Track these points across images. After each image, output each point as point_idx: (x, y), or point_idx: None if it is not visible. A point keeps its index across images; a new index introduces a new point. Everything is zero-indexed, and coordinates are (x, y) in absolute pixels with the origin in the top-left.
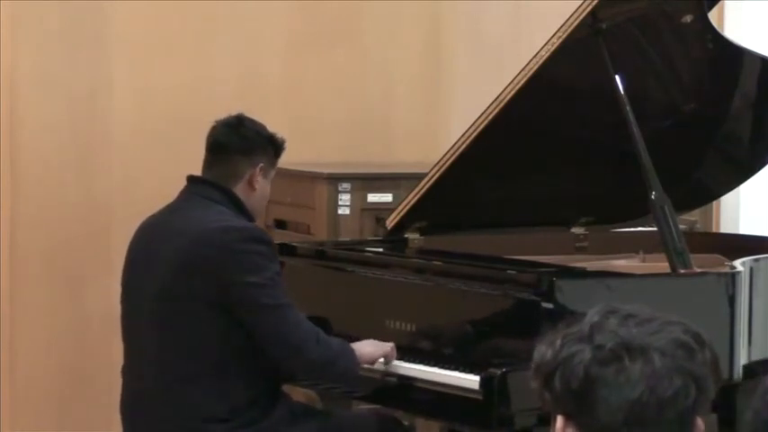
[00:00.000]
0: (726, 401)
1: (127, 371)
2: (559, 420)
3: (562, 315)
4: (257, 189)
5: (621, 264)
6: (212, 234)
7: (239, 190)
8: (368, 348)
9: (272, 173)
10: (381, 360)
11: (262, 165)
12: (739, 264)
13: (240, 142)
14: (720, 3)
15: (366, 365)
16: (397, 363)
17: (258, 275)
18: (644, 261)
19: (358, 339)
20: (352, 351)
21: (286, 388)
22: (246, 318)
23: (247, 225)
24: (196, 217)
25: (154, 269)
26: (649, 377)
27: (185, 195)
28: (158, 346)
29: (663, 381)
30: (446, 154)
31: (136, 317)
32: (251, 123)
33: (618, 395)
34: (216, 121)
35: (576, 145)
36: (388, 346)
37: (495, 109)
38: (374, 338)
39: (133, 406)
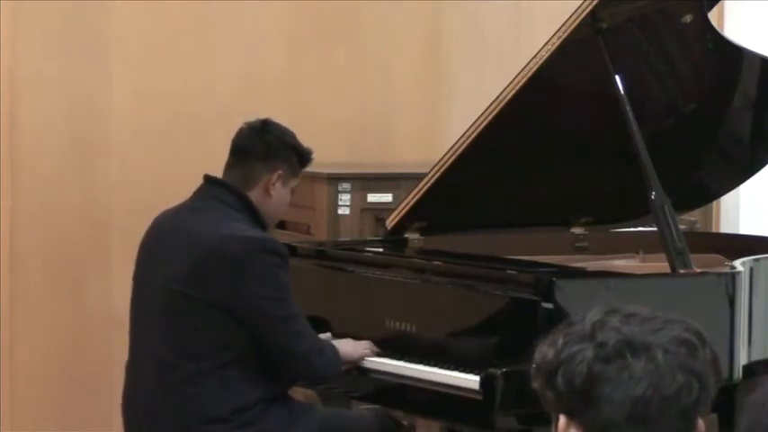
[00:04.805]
0: (726, 401)
1: (129, 367)
2: (562, 420)
3: (562, 315)
4: (273, 195)
5: (621, 264)
6: (226, 243)
7: (255, 195)
8: (347, 348)
9: (294, 181)
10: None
11: (280, 172)
12: (739, 264)
13: (261, 147)
14: (720, 3)
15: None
16: (397, 363)
17: (270, 287)
18: (644, 261)
19: (358, 339)
20: (337, 353)
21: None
22: (255, 327)
23: (262, 236)
24: (211, 222)
25: (164, 269)
26: (652, 374)
27: (202, 195)
28: (162, 345)
29: (666, 378)
30: (446, 154)
31: (142, 313)
32: (275, 128)
33: (621, 392)
34: (244, 123)
35: (576, 145)
36: (366, 347)
37: (495, 109)
38: (374, 338)
39: (134, 404)
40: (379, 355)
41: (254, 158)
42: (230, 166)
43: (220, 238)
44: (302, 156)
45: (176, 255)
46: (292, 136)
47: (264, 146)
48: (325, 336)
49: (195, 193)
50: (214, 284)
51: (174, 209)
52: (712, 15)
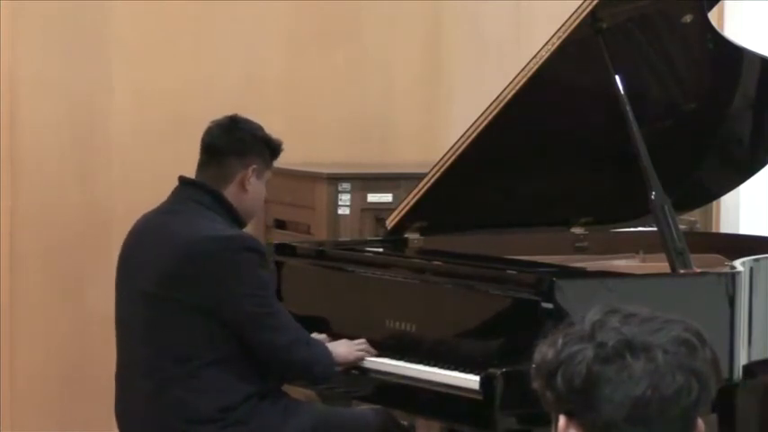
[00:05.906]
0: (726, 401)
1: (119, 375)
2: (562, 420)
3: (562, 315)
4: (249, 191)
5: (621, 264)
6: (204, 243)
7: (231, 192)
8: (341, 349)
9: (268, 174)
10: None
11: (254, 166)
12: (739, 264)
13: (233, 143)
14: (720, 3)
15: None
16: (396, 363)
17: (249, 285)
18: (644, 261)
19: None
20: (329, 353)
21: (284, 386)
22: (237, 325)
23: (238, 234)
24: (188, 223)
25: (143, 274)
26: (652, 374)
27: (178, 198)
28: (149, 349)
29: (666, 378)
30: (446, 154)
31: (127, 320)
32: (245, 124)
33: (621, 392)
34: (211, 122)
35: (575, 145)
36: (363, 348)
37: (495, 109)
38: (374, 338)
39: (127, 410)
40: (378, 355)
41: (227, 155)
42: (203, 164)
43: (198, 238)
44: (274, 148)
45: (155, 258)
46: (262, 129)
47: (237, 142)
48: (320, 337)
49: (171, 195)
50: (194, 285)
51: (151, 212)
52: (712, 15)
